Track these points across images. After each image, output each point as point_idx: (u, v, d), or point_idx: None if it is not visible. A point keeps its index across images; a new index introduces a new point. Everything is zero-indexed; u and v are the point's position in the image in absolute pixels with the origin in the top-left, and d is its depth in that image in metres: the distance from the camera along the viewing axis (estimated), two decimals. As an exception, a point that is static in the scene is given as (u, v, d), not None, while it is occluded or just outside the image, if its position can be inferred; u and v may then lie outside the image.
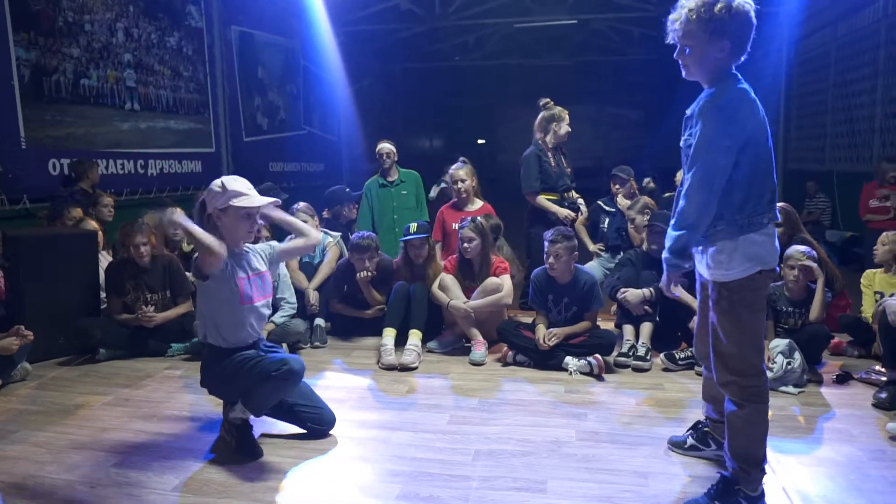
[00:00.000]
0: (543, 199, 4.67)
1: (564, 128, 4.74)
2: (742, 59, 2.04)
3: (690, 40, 2.01)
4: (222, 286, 2.52)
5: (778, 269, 2.14)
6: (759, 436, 2.11)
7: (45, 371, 3.63)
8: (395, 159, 5.28)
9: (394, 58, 13.31)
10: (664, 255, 2.11)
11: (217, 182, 2.53)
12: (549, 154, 4.78)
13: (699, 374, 3.47)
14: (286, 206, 5.00)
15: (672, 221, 2.09)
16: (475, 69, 14.71)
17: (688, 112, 2.08)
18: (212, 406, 3.11)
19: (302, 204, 4.54)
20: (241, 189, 2.51)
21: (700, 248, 2.14)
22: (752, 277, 2.03)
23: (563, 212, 4.62)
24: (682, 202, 2.03)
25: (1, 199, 4.53)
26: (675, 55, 2.08)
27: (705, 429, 2.52)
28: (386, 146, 5.25)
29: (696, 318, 2.41)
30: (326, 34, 9.23)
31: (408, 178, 5.31)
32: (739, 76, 2.05)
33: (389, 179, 5.26)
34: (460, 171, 4.67)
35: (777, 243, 2.09)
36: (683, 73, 2.11)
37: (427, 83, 15.31)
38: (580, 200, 4.80)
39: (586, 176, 5.09)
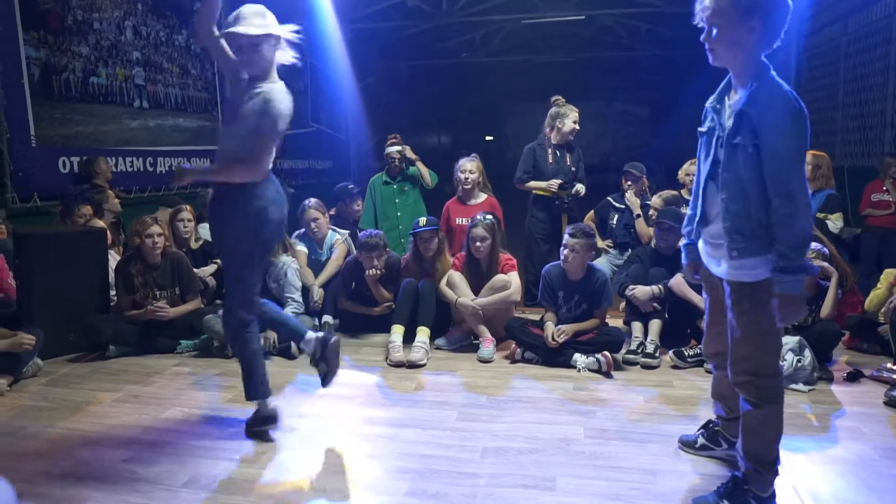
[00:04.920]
0: (532, 182, 4.84)
1: (568, 125, 4.78)
2: (774, 45, 1.93)
3: (719, 18, 1.90)
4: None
5: None
6: (774, 436, 2.09)
7: (56, 368, 3.65)
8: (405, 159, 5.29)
9: (400, 55, 13.30)
10: (780, 290, 1.89)
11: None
12: (549, 150, 4.83)
13: (708, 372, 3.46)
14: (296, 203, 5.06)
15: (787, 237, 1.88)
16: (482, 66, 14.67)
17: (744, 108, 1.91)
18: (221, 402, 3.13)
19: (313, 200, 4.57)
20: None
21: (720, 248, 2.07)
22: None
23: (544, 184, 4.77)
24: (790, 226, 1.86)
25: (12, 197, 4.55)
26: (701, 38, 1.97)
27: (716, 428, 2.51)
28: (395, 150, 5.25)
29: (704, 317, 2.38)
30: (333, 31, 9.22)
31: (409, 175, 5.33)
32: (771, 67, 1.94)
33: (394, 177, 5.29)
34: (469, 164, 4.72)
35: None
36: (710, 59, 1.99)
37: (434, 80, 15.27)
38: (577, 188, 4.80)
39: (593, 172, 5.09)
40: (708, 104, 2.12)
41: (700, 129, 2.15)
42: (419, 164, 5.25)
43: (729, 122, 1.99)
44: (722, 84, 2.09)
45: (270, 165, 2.64)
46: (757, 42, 1.92)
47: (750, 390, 2.07)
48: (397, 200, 5.27)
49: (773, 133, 1.86)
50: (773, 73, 1.94)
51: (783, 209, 1.87)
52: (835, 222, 4.70)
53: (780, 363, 3.24)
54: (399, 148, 5.27)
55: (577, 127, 4.81)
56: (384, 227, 5.17)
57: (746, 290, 2.01)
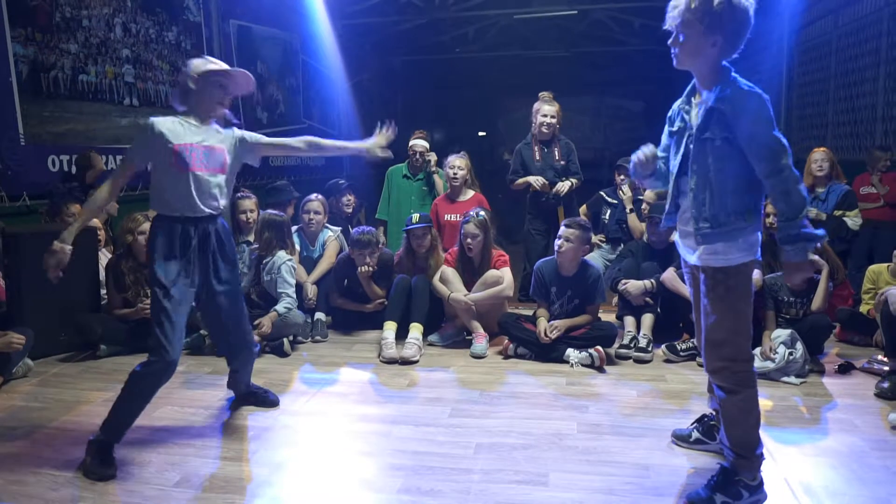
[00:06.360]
0: (520, 180, 4.81)
1: (539, 118, 4.77)
2: (734, 55, 2.06)
3: (686, 29, 2.02)
4: (157, 153, 2.51)
5: (760, 257, 2.17)
6: (754, 421, 2.12)
7: (47, 367, 3.63)
8: (428, 157, 5.21)
9: (393, 50, 13.24)
10: (791, 251, 1.98)
11: (196, 59, 2.62)
12: (535, 146, 4.80)
13: (701, 365, 3.48)
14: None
15: (783, 209, 1.97)
16: (475, 61, 14.62)
17: (717, 105, 2.00)
18: (212, 401, 3.12)
19: (320, 196, 4.58)
20: (215, 61, 2.59)
21: (690, 236, 2.14)
22: (747, 264, 2.06)
23: (529, 179, 4.74)
24: (787, 195, 1.94)
25: (1, 196, 4.52)
26: (669, 42, 2.09)
27: (711, 422, 2.52)
28: (419, 143, 5.15)
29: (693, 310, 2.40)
30: (325, 27, 9.18)
31: (431, 180, 5.27)
32: (734, 71, 2.06)
33: (415, 174, 5.23)
34: (457, 160, 4.70)
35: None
36: (674, 62, 2.11)
37: (427, 76, 15.23)
38: (557, 188, 4.72)
39: (586, 167, 5.04)
40: (675, 106, 2.23)
41: (671, 129, 2.25)
42: (436, 177, 5.21)
43: (697, 120, 2.08)
44: (688, 88, 2.19)
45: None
46: (718, 53, 2.03)
47: (727, 377, 2.11)
48: (413, 198, 5.20)
49: (754, 124, 1.96)
50: (735, 73, 2.06)
51: (778, 186, 1.97)
52: (853, 219, 4.73)
53: (771, 355, 3.29)
54: (425, 144, 5.19)
55: (550, 121, 4.73)
56: (394, 219, 5.15)
57: (720, 276, 2.07)
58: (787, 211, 1.97)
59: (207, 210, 2.58)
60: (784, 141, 1.97)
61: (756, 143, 1.97)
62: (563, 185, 4.71)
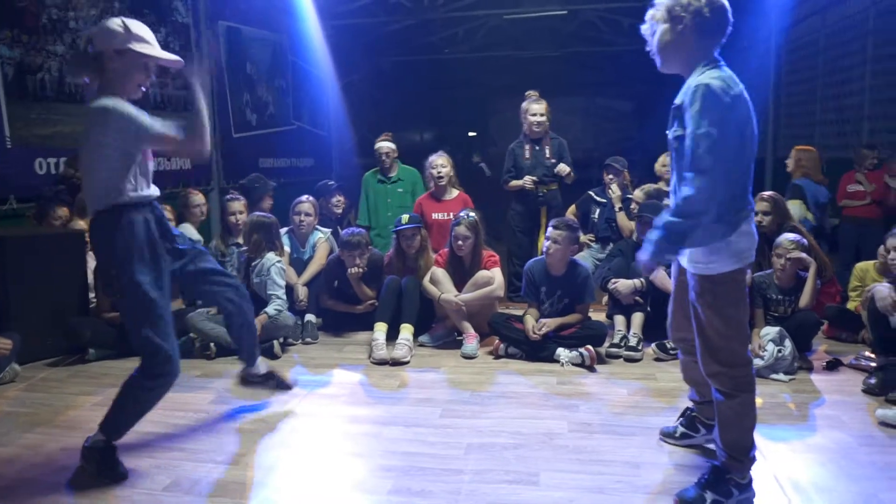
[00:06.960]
0: (513, 182, 4.89)
1: (529, 118, 4.82)
2: (717, 43, 2.03)
3: (656, 24, 2.05)
4: (138, 144, 2.24)
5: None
6: (749, 424, 2.12)
7: (34, 372, 3.60)
8: (396, 156, 5.25)
9: (383, 51, 13.22)
10: (653, 237, 1.98)
11: (117, 20, 2.27)
12: (526, 145, 4.85)
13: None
14: (284, 202, 5.00)
15: (671, 209, 1.99)
16: (465, 61, 14.62)
17: (677, 101, 2.01)
18: (202, 404, 3.11)
19: (311, 198, 4.56)
20: (145, 36, 2.26)
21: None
22: (736, 271, 2.03)
23: (520, 182, 4.83)
24: (687, 191, 1.92)
25: (-13, 200, 4.48)
26: (647, 48, 2.12)
27: (693, 414, 2.54)
28: (385, 145, 5.19)
29: (670, 301, 2.39)
30: (314, 28, 9.16)
31: (406, 175, 5.30)
32: (722, 62, 2.03)
33: (388, 176, 5.26)
34: (440, 159, 4.75)
35: (755, 233, 2.09)
36: (658, 65, 2.13)
37: (416, 76, 15.22)
38: (559, 167, 4.82)
39: (576, 167, 5.06)
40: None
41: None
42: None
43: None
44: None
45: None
46: (693, 41, 2.01)
47: (724, 381, 2.10)
48: (389, 200, 5.23)
49: (695, 115, 1.92)
50: (722, 64, 2.01)
51: (688, 181, 1.93)
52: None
53: (759, 352, 3.31)
54: (391, 145, 5.21)
55: (540, 119, 4.79)
56: (375, 223, 5.17)
57: (707, 284, 2.06)
58: (675, 206, 1.96)
59: (156, 192, 2.38)
60: (720, 146, 1.88)
61: (693, 135, 1.91)
62: (564, 168, 4.82)
